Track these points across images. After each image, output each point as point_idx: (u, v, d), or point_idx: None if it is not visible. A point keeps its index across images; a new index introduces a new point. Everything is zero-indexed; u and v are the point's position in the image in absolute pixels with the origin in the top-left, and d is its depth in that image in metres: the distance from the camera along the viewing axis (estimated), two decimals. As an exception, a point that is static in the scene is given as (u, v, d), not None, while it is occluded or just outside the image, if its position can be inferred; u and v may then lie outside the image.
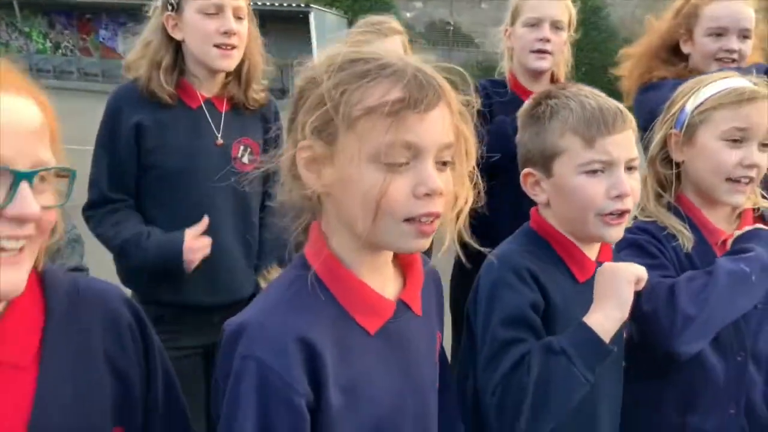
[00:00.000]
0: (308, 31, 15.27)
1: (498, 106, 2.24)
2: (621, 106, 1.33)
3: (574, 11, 2.31)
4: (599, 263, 1.31)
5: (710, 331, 1.39)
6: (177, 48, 1.88)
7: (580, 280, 1.32)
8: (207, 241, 1.84)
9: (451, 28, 22.59)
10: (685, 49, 2.27)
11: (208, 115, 1.91)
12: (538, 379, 1.16)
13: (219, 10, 1.83)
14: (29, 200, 0.80)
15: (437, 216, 0.94)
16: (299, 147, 0.95)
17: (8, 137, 0.79)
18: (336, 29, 14.25)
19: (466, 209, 0.99)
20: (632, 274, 1.22)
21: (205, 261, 1.83)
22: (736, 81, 1.46)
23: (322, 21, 16.08)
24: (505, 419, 1.18)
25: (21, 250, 0.82)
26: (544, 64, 2.22)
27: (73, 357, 0.92)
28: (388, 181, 0.89)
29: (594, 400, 1.27)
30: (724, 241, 1.47)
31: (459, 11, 23.35)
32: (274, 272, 1.06)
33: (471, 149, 0.98)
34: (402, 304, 1.04)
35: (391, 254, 1.03)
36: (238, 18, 1.86)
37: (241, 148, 1.95)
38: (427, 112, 0.90)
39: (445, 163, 0.94)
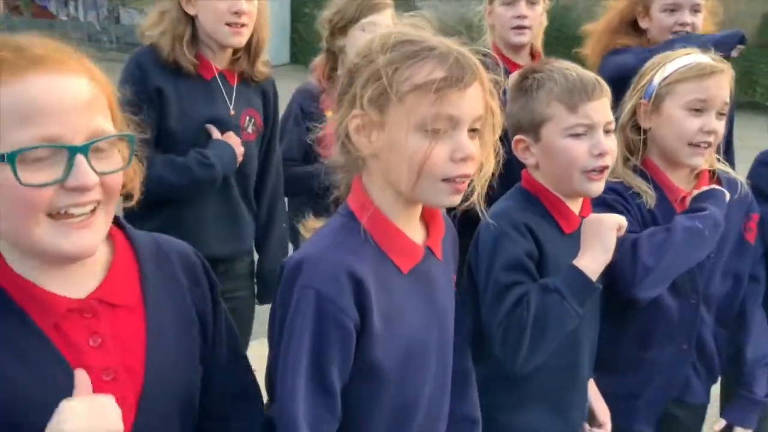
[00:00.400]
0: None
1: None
2: (597, 76, 1.53)
3: None
4: (582, 217, 1.53)
5: (667, 280, 1.62)
6: (192, 21, 1.98)
7: (566, 232, 1.53)
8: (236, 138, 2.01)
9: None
10: (643, 24, 2.48)
11: (222, 87, 2.03)
12: (536, 314, 1.36)
13: None
14: (85, 171, 0.88)
15: (468, 177, 1.12)
16: (352, 115, 1.11)
17: (58, 116, 0.87)
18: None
19: (490, 173, 1.18)
20: (615, 222, 1.44)
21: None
22: (697, 57, 1.68)
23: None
24: (508, 348, 1.38)
25: (93, 212, 0.92)
26: (524, 38, 2.40)
27: (168, 300, 1.05)
28: (431, 147, 1.06)
29: (578, 331, 1.49)
30: (683, 198, 1.69)
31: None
32: (312, 222, 1.23)
33: (498, 122, 1.15)
34: (428, 250, 1.21)
35: (420, 208, 1.20)
36: None
37: (247, 118, 2.10)
38: (466, 89, 1.07)
39: (474, 131, 1.11)
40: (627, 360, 1.74)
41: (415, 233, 1.21)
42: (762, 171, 1.98)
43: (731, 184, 1.73)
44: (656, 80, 1.68)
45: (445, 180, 1.09)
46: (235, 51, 2.05)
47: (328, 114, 2.05)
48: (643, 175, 1.70)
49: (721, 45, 2.08)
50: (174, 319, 1.05)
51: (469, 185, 1.14)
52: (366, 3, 2.38)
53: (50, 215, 0.88)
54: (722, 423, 1.88)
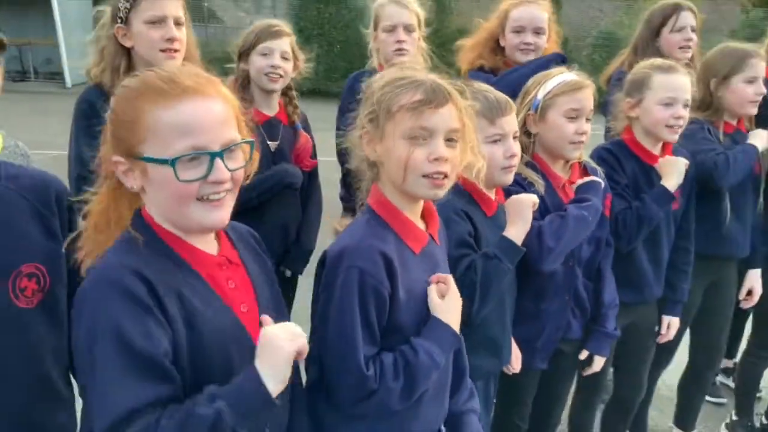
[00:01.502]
0: (48, 12, 14.56)
1: None
2: (507, 97, 2.00)
3: (422, 13, 2.96)
4: (499, 203, 2.00)
5: (563, 256, 2.14)
6: (128, 53, 2.20)
7: (488, 215, 1.98)
8: None
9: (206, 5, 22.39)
10: (502, 42, 3.02)
11: None
12: (482, 276, 1.80)
13: (162, 21, 2.18)
14: (221, 170, 1.22)
15: (445, 174, 1.49)
16: (359, 132, 1.49)
17: (203, 131, 1.20)
18: (80, 10, 13.63)
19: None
20: (530, 200, 1.92)
21: None
22: (569, 75, 2.20)
23: (65, 1, 15.26)
24: (464, 305, 1.79)
25: (225, 196, 1.25)
26: (404, 58, 2.85)
27: (253, 260, 1.40)
28: (412, 150, 1.45)
29: (503, 291, 1.96)
30: (564, 185, 2.22)
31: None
32: (344, 220, 1.60)
33: (470, 134, 1.55)
34: (430, 236, 1.60)
35: (421, 204, 1.58)
36: (178, 25, 2.22)
37: None
38: (438, 108, 1.46)
39: (451, 140, 1.50)
40: (527, 312, 2.23)
41: (419, 224, 1.59)
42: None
43: (594, 172, 2.29)
44: (540, 95, 2.19)
45: (425, 176, 1.47)
46: None
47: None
48: (534, 168, 2.20)
49: (546, 65, 2.66)
50: (260, 274, 1.39)
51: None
52: (263, 31, 2.73)
53: (197, 199, 1.21)
54: (585, 353, 2.43)
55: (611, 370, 2.77)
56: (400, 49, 2.85)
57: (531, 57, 2.94)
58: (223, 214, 1.26)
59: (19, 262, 1.40)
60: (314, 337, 1.47)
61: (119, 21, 2.15)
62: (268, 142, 2.65)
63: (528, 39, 2.95)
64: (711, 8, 25.65)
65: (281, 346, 1.17)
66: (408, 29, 2.87)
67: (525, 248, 1.90)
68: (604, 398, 2.90)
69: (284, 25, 2.81)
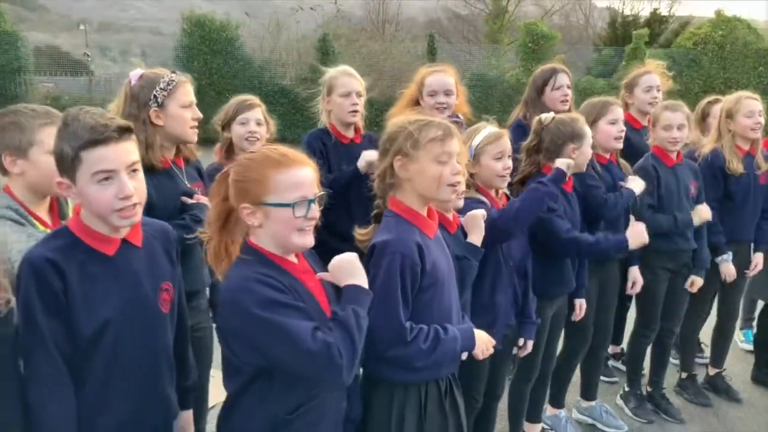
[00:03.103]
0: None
1: (331, 147, 3.52)
2: None
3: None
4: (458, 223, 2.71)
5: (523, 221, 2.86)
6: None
7: (451, 232, 2.67)
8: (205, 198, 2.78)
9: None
10: (422, 103, 3.76)
11: (176, 170, 2.79)
12: (458, 272, 2.48)
13: (192, 104, 2.71)
14: (315, 210, 1.85)
15: (460, 182, 2.24)
16: (397, 159, 2.18)
17: (306, 186, 1.85)
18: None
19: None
20: (482, 214, 2.64)
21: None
22: (490, 128, 2.94)
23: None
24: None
25: (312, 227, 1.88)
26: (356, 119, 3.57)
27: (315, 265, 2.02)
28: (441, 169, 2.17)
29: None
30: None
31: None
32: (361, 229, 2.27)
33: (464, 156, 2.30)
34: (441, 226, 2.32)
35: (427, 207, 2.27)
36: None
37: (196, 188, 2.86)
38: (451, 139, 2.19)
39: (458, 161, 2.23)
40: (484, 305, 2.89)
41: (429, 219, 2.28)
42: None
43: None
44: (474, 144, 2.92)
45: (449, 185, 2.20)
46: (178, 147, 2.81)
47: None
48: (477, 190, 2.92)
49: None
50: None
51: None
52: (239, 104, 3.40)
53: (298, 230, 1.83)
54: (522, 341, 3.18)
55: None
56: (354, 111, 3.54)
57: (445, 114, 3.64)
58: (311, 239, 1.90)
59: (161, 281, 1.96)
60: None
61: (155, 105, 2.62)
62: None
63: (441, 99, 3.69)
64: (569, 48, 28.32)
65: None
66: (358, 95, 3.57)
67: (483, 249, 2.61)
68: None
69: (255, 98, 3.46)
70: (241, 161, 1.91)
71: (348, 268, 1.93)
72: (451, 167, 2.19)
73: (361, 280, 1.93)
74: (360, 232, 2.28)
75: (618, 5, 40.05)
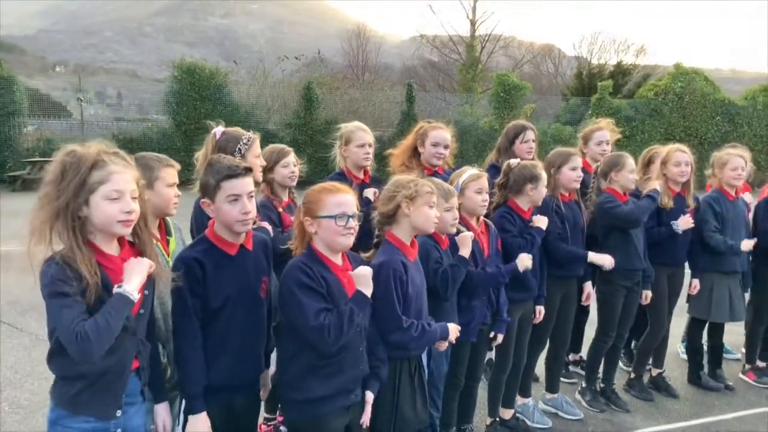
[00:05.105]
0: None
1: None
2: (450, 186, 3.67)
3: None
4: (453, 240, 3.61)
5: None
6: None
7: (443, 248, 3.57)
8: None
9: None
10: (421, 150, 4.66)
11: None
12: (451, 275, 3.37)
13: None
14: (353, 222, 2.71)
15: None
16: (404, 203, 3.08)
17: (348, 205, 2.72)
18: None
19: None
20: (470, 235, 3.55)
21: None
22: (473, 170, 3.88)
23: None
24: (444, 293, 3.39)
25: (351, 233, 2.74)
26: (368, 163, 4.45)
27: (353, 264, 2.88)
28: (432, 211, 3.09)
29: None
30: (479, 233, 3.88)
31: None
32: (372, 252, 3.15)
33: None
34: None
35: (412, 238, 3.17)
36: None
37: None
38: (434, 193, 3.12)
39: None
40: (462, 306, 3.76)
41: (411, 248, 3.17)
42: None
43: (492, 224, 3.99)
44: (460, 182, 3.84)
45: (434, 222, 3.10)
46: None
47: (279, 209, 3.90)
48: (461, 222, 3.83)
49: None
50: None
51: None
52: (280, 152, 4.22)
53: (341, 235, 2.68)
54: (493, 334, 4.03)
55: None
56: (366, 158, 4.44)
57: (440, 162, 4.58)
58: (351, 241, 2.74)
59: (262, 276, 2.82)
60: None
61: (239, 155, 3.49)
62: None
63: (441, 151, 4.60)
64: (539, 97, 29.85)
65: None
66: (370, 145, 4.46)
67: (470, 261, 3.51)
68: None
69: (287, 147, 4.33)
70: (309, 191, 2.80)
71: (362, 279, 2.73)
72: (434, 210, 3.15)
73: (368, 290, 2.72)
74: (365, 255, 3.16)
75: (586, 55, 42.06)
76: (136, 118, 31.93)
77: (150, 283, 2.42)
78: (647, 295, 4.96)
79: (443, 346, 3.33)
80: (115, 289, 2.19)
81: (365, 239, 3.28)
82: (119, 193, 2.25)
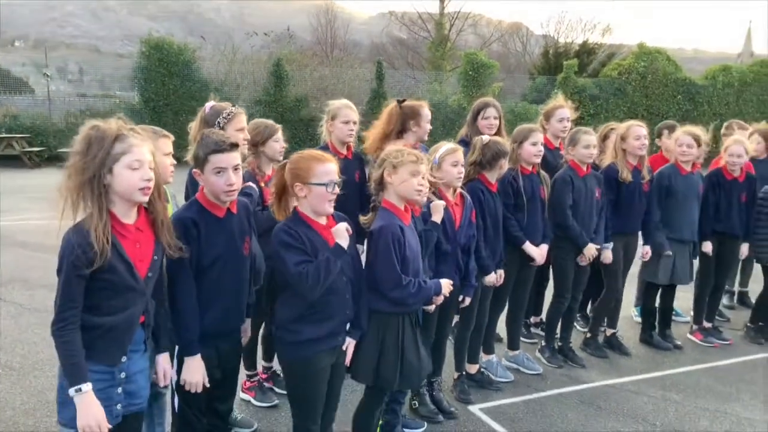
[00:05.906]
0: None
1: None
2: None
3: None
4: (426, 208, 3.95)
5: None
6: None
7: (416, 215, 3.89)
8: None
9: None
10: (414, 129, 4.89)
11: None
12: (425, 238, 3.71)
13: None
14: (337, 189, 3.01)
15: (425, 188, 3.47)
16: (385, 171, 3.40)
17: (332, 173, 2.99)
18: None
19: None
20: (443, 203, 3.88)
21: None
22: (450, 144, 4.18)
23: None
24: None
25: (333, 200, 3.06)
26: (351, 139, 4.75)
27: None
28: (415, 180, 3.39)
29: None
30: (453, 204, 4.22)
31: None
32: (363, 217, 3.46)
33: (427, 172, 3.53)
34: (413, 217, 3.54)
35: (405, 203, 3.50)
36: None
37: None
38: (422, 162, 3.43)
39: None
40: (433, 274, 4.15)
41: (406, 212, 3.49)
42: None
43: (466, 196, 4.33)
44: (437, 156, 4.14)
45: (416, 190, 3.42)
46: None
47: (261, 184, 4.18)
48: (436, 194, 4.15)
49: None
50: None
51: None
52: (270, 128, 4.40)
53: (328, 200, 3.00)
54: (461, 297, 4.39)
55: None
56: (350, 134, 4.73)
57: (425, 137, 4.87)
58: (332, 207, 3.04)
59: (245, 236, 3.11)
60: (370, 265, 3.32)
61: (218, 128, 3.74)
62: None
63: (429, 127, 4.85)
64: (507, 75, 30.22)
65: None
66: (354, 123, 4.75)
67: (441, 225, 3.85)
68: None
69: (274, 123, 4.58)
70: (296, 158, 3.07)
71: (338, 233, 3.04)
72: (420, 179, 3.42)
73: (344, 242, 3.03)
74: (363, 219, 3.48)
75: (554, 34, 42.54)
76: (99, 94, 31.78)
77: (158, 248, 2.69)
78: (584, 259, 5.27)
79: (439, 300, 3.70)
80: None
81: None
82: (140, 162, 2.50)
